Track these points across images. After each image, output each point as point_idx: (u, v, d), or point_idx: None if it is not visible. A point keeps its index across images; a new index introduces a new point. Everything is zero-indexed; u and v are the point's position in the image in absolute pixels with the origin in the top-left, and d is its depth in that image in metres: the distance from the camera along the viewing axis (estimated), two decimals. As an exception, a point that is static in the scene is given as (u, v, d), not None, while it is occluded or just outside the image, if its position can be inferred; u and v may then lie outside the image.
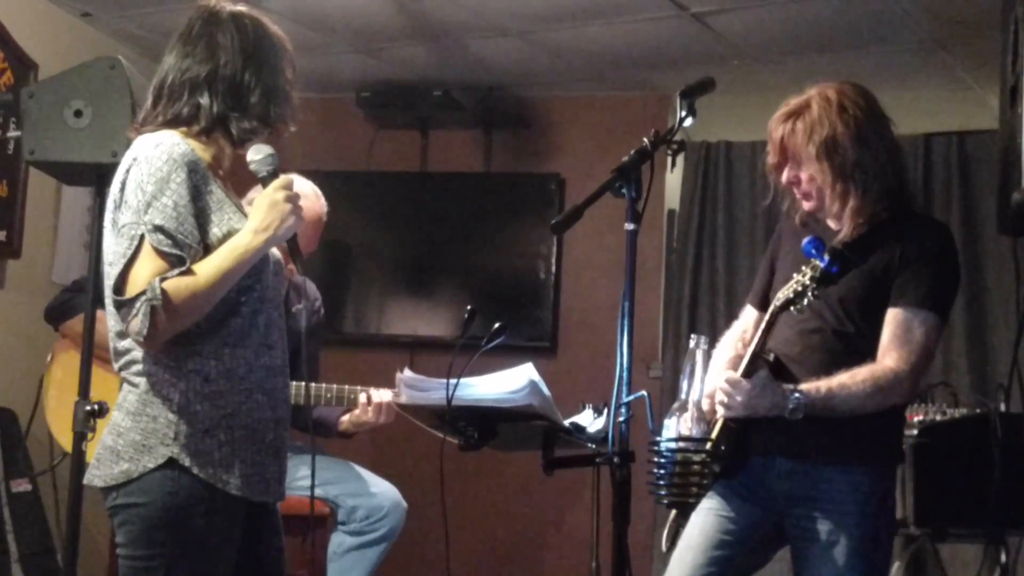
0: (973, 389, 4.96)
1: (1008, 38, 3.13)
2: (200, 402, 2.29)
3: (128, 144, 2.40)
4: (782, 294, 2.67)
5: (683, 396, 2.61)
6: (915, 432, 3.55)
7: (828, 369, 2.67)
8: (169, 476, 2.25)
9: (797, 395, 2.61)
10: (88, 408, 2.91)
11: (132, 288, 2.22)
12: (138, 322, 2.21)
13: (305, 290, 3.90)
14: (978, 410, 3.73)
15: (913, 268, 2.70)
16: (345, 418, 3.82)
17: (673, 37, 4.95)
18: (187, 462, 2.25)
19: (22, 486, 4.45)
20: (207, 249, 2.29)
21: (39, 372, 3.94)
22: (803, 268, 2.62)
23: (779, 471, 2.74)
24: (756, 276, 3.06)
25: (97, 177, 2.98)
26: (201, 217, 2.30)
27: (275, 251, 2.42)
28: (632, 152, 2.38)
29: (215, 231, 2.30)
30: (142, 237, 2.24)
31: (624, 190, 2.37)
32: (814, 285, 2.59)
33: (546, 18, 4.84)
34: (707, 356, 2.71)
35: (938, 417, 3.76)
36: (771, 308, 2.70)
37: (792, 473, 2.73)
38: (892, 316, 2.70)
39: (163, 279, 2.21)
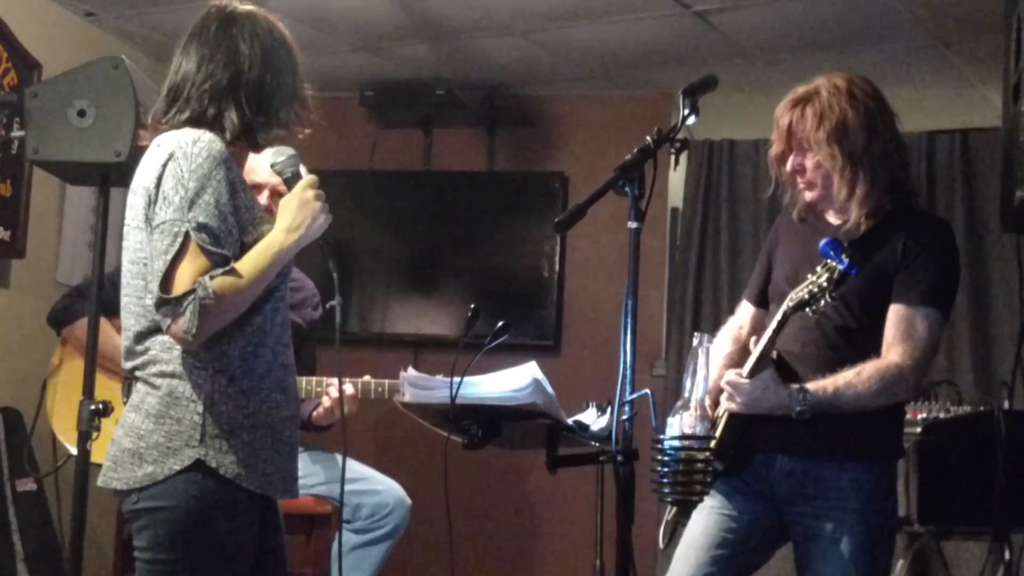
0: (977, 387, 4.96)
1: (1011, 36, 3.13)
2: (225, 403, 2.27)
3: (131, 144, 2.40)
4: (796, 295, 2.61)
5: (686, 394, 2.60)
6: (919, 430, 3.55)
7: (831, 365, 2.67)
8: (194, 479, 2.23)
9: (804, 397, 2.61)
10: (93, 407, 2.91)
11: (179, 286, 2.19)
12: (185, 321, 2.17)
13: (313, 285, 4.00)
14: (982, 408, 3.73)
15: (915, 264, 2.70)
16: (318, 411, 3.85)
17: (676, 35, 4.95)
18: (213, 463, 2.24)
19: (27, 485, 4.45)
20: (243, 247, 2.28)
21: (43, 372, 3.94)
22: (818, 269, 2.57)
23: (781, 469, 2.74)
24: (752, 272, 3.06)
25: (101, 176, 2.98)
26: (237, 215, 2.28)
27: None
28: (635, 150, 2.38)
29: (252, 229, 2.29)
30: (187, 235, 2.20)
31: (627, 188, 2.36)
32: (832, 287, 2.54)
33: (549, 17, 4.84)
34: (710, 354, 2.70)
35: (942, 415, 3.76)
36: (783, 308, 2.64)
37: (794, 471, 2.73)
38: (895, 312, 2.70)
39: (211, 277, 2.19)
